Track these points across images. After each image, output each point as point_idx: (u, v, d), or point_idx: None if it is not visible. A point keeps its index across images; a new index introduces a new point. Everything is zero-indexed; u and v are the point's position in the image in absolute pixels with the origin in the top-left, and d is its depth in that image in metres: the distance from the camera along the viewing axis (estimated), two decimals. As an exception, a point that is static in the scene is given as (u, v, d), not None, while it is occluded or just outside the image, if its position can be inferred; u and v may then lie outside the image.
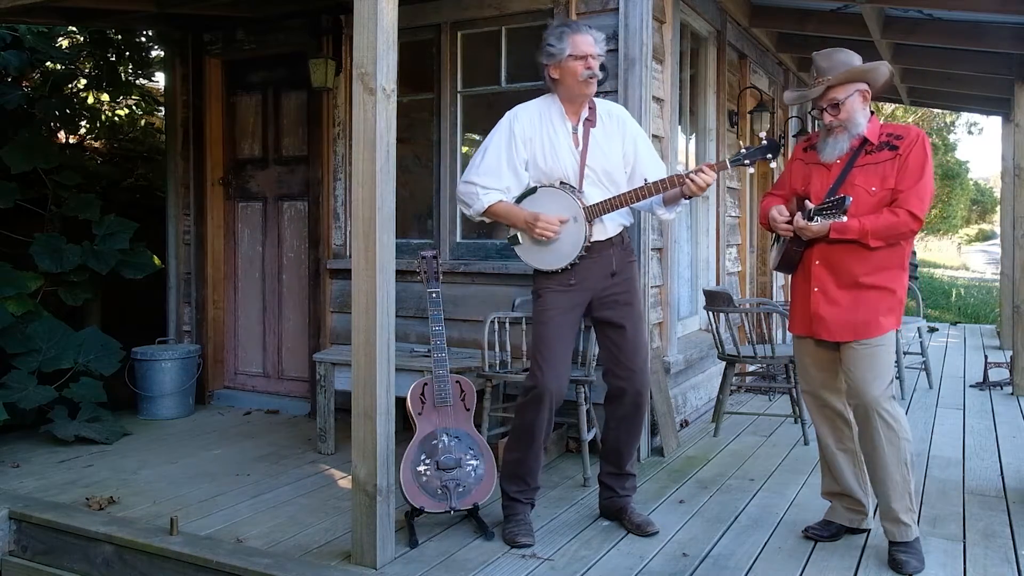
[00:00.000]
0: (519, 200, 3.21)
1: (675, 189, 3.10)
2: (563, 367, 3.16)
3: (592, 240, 3.14)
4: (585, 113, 3.22)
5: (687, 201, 3.23)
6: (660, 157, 3.46)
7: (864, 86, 2.96)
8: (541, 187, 3.20)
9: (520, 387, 3.30)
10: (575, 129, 3.20)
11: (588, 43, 3.12)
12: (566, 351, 3.19)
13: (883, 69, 2.97)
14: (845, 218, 2.79)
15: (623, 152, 3.25)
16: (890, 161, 2.88)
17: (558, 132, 3.20)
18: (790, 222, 3.00)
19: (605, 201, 3.11)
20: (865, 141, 2.94)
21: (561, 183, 3.17)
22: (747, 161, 3.10)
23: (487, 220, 3.31)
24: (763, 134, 3.07)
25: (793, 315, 3.14)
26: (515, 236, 3.24)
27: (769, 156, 3.05)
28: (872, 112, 3.00)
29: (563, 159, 3.18)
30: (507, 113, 3.28)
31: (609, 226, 3.20)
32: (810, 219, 2.87)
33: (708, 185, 3.07)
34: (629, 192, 3.11)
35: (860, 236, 2.85)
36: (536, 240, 3.16)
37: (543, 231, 3.11)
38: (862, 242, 2.85)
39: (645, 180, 3.15)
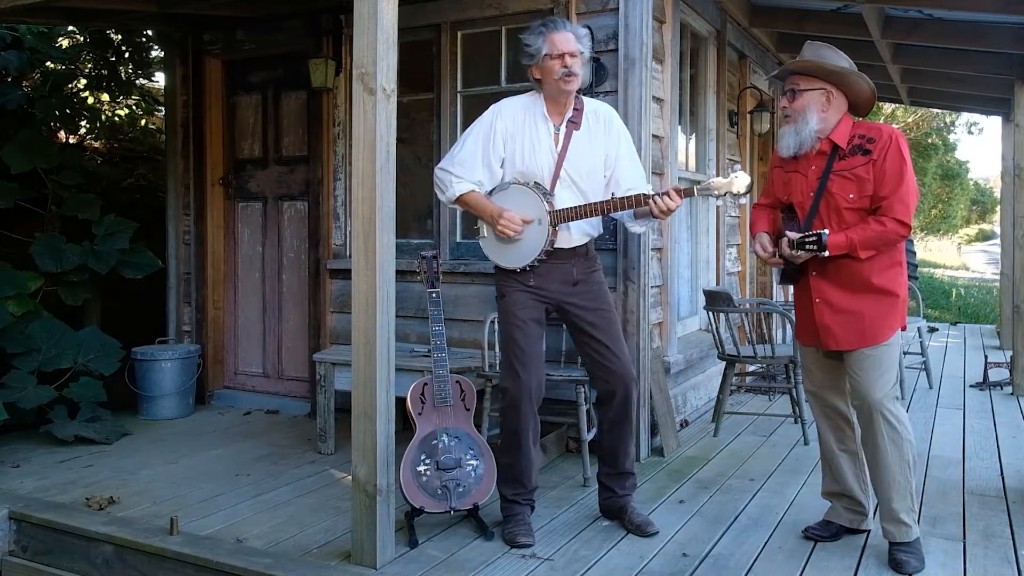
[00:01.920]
0: (491, 192, 3.23)
1: (643, 207, 3.08)
2: (537, 365, 3.17)
3: (555, 246, 3.14)
4: (569, 113, 3.20)
5: (654, 220, 3.21)
6: (642, 163, 3.44)
7: (832, 89, 2.91)
8: (514, 184, 3.20)
9: (499, 391, 3.30)
10: (557, 129, 3.20)
11: (564, 40, 3.08)
12: (537, 348, 3.20)
13: (858, 80, 2.91)
14: (827, 253, 2.79)
15: (605, 154, 3.23)
16: (864, 167, 2.85)
17: (539, 131, 3.19)
18: (770, 251, 3.02)
19: (572, 208, 3.10)
20: (836, 147, 2.91)
21: (535, 183, 3.17)
22: (715, 193, 3.04)
23: (459, 208, 3.33)
24: (738, 167, 3.04)
25: (799, 325, 3.14)
26: (480, 228, 3.27)
27: (739, 192, 3.01)
28: (846, 116, 2.95)
29: (541, 160, 3.18)
30: (492, 106, 3.28)
31: (575, 235, 3.20)
32: (793, 248, 2.87)
33: (672, 210, 3.04)
34: (596, 203, 3.11)
35: (849, 250, 2.83)
36: (499, 236, 3.17)
37: (504, 228, 3.13)
38: (852, 255, 2.85)
39: (612, 194, 3.14)
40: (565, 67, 3.08)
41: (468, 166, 3.21)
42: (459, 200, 3.24)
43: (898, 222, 2.81)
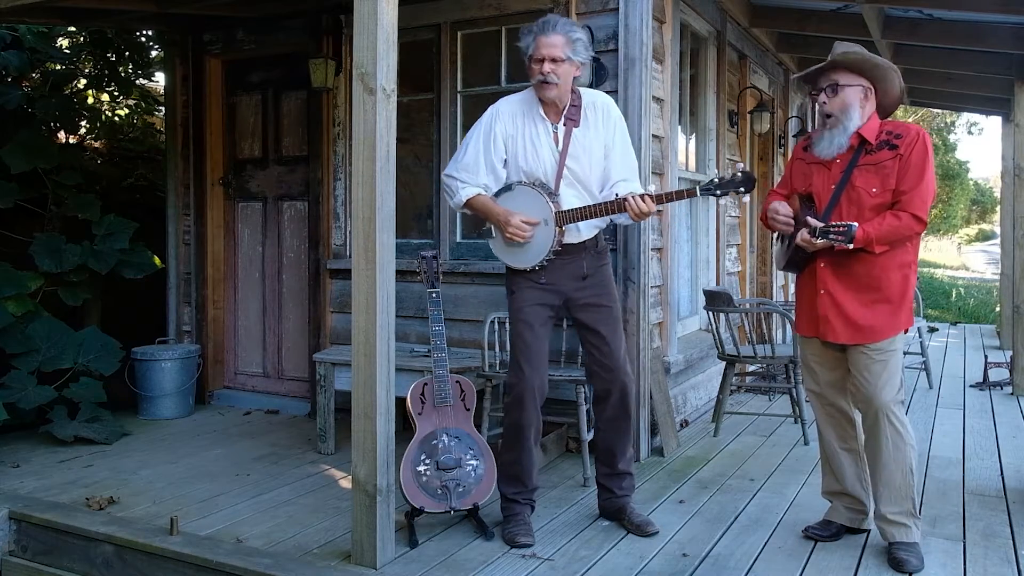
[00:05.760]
0: (497, 194, 3.23)
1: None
2: (542, 363, 3.18)
3: (563, 243, 3.15)
4: (566, 110, 3.19)
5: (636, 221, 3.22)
6: (641, 163, 3.44)
7: (868, 85, 2.92)
8: (518, 185, 3.20)
9: (504, 386, 3.31)
10: (556, 127, 3.19)
11: (548, 44, 3.06)
12: (543, 346, 3.21)
13: (894, 77, 2.91)
14: (851, 246, 2.77)
15: (603, 145, 3.22)
16: (890, 161, 2.85)
17: (539, 130, 3.19)
18: (790, 219, 3.00)
19: (577, 209, 3.11)
20: (864, 141, 2.91)
21: (540, 183, 3.17)
22: (718, 192, 3.02)
23: (468, 212, 3.34)
24: (741, 165, 3.03)
25: (799, 316, 3.13)
26: (489, 229, 3.29)
27: (741, 191, 2.99)
28: (875, 115, 2.95)
29: (543, 158, 3.18)
30: (490, 108, 3.28)
31: (583, 230, 3.20)
32: (814, 236, 2.83)
33: (644, 213, 3.03)
34: (601, 204, 3.11)
35: (865, 244, 2.81)
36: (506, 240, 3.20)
37: (512, 236, 3.14)
38: (867, 249, 2.83)
39: (616, 194, 3.14)
40: (541, 74, 3.08)
41: (472, 170, 3.22)
42: (467, 204, 3.25)
43: (914, 217, 2.82)
